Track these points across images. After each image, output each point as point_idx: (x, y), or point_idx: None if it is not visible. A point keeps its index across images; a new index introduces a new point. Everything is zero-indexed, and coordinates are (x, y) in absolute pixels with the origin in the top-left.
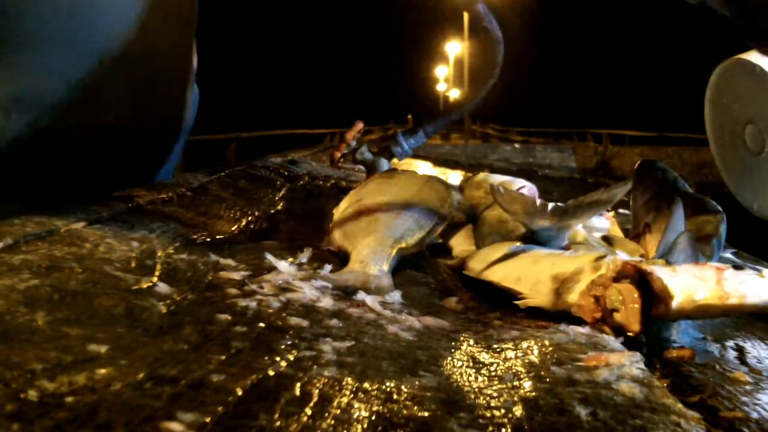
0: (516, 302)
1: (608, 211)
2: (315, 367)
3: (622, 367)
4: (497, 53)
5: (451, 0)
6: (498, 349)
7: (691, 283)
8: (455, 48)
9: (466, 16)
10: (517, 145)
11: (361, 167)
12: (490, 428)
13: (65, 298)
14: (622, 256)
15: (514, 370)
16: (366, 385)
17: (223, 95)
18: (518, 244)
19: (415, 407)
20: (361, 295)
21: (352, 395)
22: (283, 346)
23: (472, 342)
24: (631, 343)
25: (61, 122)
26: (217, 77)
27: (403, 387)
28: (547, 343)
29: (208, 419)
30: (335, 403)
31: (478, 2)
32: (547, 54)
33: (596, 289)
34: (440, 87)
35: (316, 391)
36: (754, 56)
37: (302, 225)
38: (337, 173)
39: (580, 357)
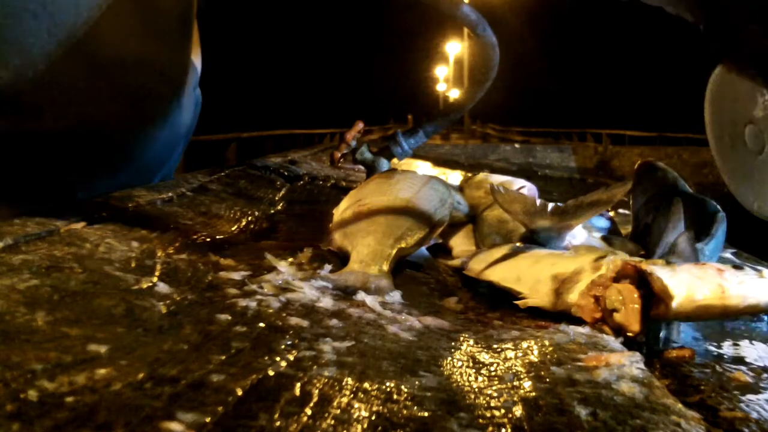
0: (516, 302)
1: (608, 211)
2: (315, 367)
3: (622, 367)
4: (493, 58)
5: (443, 10)
6: (498, 349)
7: (691, 283)
8: (455, 48)
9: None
10: (517, 145)
11: (361, 167)
12: (490, 428)
13: (65, 298)
14: (622, 256)
15: (514, 370)
16: (366, 385)
17: (223, 95)
18: (518, 244)
19: (415, 407)
20: (361, 295)
21: (352, 395)
22: (283, 346)
23: (472, 342)
24: (631, 343)
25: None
26: (217, 77)
27: (403, 387)
28: (547, 343)
29: (208, 419)
30: (335, 403)
31: (468, 11)
32: (547, 54)
33: (596, 289)
34: (440, 87)
35: (316, 391)
36: None
37: (302, 225)
38: (337, 173)
39: (580, 357)
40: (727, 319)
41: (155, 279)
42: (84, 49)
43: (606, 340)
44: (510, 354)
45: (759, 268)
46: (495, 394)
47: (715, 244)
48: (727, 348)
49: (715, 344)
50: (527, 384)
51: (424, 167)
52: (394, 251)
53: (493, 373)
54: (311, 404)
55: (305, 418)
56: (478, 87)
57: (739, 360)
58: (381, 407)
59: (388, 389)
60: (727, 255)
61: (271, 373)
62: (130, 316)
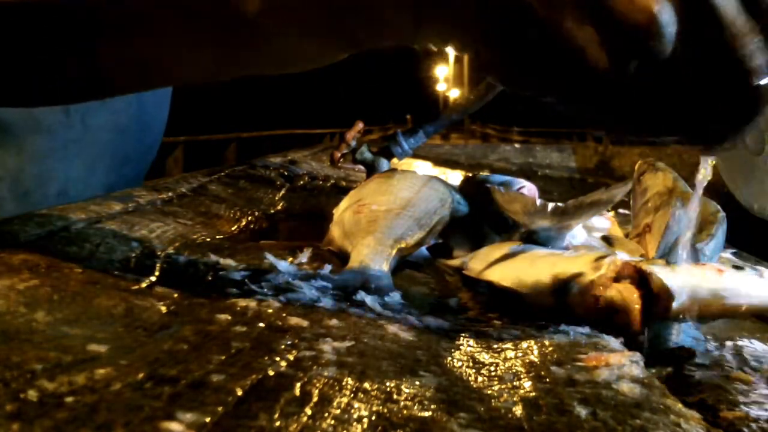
0: (516, 302)
1: (608, 211)
2: (315, 367)
3: (622, 367)
4: None
5: None
6: (498, 349)
7: (691, 283)
8: None
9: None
10: (517, 145)
11: (361, 167)
12: (490, 428)
13: (65, 298)
14: (622, 256)
15: (514, 370)
16: (366, 385)
17: (223, 95)
18: (518, 244)
19: (415, 407)
20: (361, 295)
21: (352, 395)
22: (283, 346)
23: (472, 342)
24: (631, 343)
25: None
26: None
27: (403, 387)
28: (547, 343)
29: (208, 419)
30: (335, 403)
31: None
32: None
33: (596, 289)
34: (440, 87)
35: (316, 391)
36: None
37: (302, 225)
38: (337, 173)
39: (580, 357)
40: (727, 318)
41: (155, 279)
42: None
43: (606, 340)
44: (510, 354)
45: (759, 268)
46: (495, 394)
47: (715, 244)
48: (727, 348)
49: (715, 344)
50: (527, 384)
51: (424, 167)
52: (394, 251)
53: (493, 373)
54: (311, 404)
55: (305, 418)
56: (485, 93)
57: (740, 360)
58: (381, 407)
59: (388, 389)
60: (727, 255)
61: (271, 373)
62: (130, 316)
